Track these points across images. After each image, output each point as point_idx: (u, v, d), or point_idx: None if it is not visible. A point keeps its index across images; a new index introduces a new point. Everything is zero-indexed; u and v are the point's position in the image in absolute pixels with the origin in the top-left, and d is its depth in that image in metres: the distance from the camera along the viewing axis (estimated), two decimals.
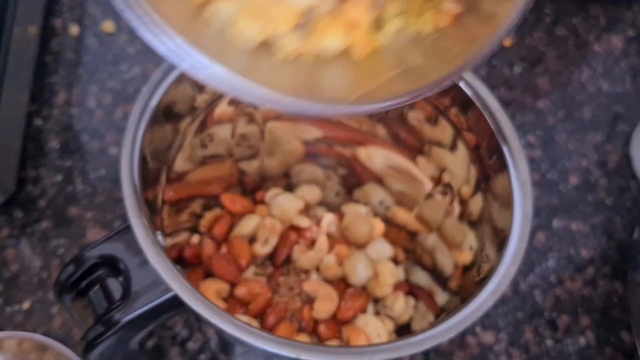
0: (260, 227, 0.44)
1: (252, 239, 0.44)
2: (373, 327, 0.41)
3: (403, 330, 0.43)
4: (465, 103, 0.37)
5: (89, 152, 0.54)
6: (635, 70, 0.66)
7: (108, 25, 0.60)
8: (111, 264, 0.33)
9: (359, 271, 0.43)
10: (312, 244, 0.44)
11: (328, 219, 0.45)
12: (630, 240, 0.56)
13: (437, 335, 0.31)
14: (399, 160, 0.43)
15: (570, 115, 0.62)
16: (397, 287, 0.44)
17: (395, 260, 0.45)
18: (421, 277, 0.44)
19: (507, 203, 0.34)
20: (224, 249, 0.43)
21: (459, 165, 0.39)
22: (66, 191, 0.52)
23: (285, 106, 0.25)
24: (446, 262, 0.42)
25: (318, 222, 0.45)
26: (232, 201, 0.45)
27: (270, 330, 0.40)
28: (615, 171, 0.60)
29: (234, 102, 0.40)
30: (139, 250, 0.30)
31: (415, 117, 0.40)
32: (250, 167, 0.46)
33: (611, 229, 0.57)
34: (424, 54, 0.29)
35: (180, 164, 0.39)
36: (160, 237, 0.32)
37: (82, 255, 0.34)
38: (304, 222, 0.45)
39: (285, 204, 0.45)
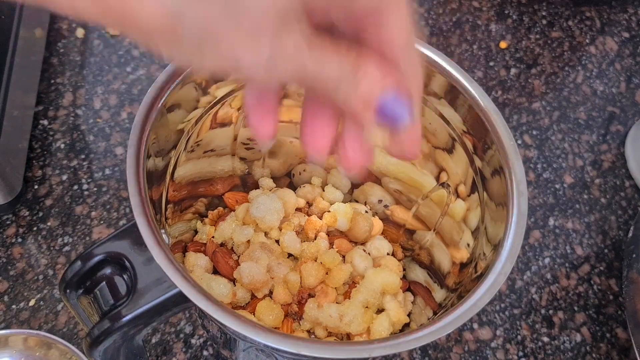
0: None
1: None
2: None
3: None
4: (462, 105, 0.37)
5: (94, 152, 0.55)
6: (630, 72, 0.66)
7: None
8: (116, 262, 0.34)
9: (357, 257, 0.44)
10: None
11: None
12: (625, 238, 0.57)
13: (435, 332, 0.31)
14: (397, 160, 0.44)
15: (565, 116, 0.63)
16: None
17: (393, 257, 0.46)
18: (419, 274, 0.45)
19: (503, 202, 0.35)
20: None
21: (456, 165, 0.40)
22: (72, 190, 0.53)
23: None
24: (444, 259, 0.42)
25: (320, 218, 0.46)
26: (235, 200, 0.45)
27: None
28: (610, 171, 0.60)
29: (236, 104, 0.41)
30: (144, 247, 0.31)
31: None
32: (253, 166, 0.46)
33: (606, 227, 0.57)
34: None
35: (184, 164, 0.40)
36: (164, 235, 0.32)
37: (88, 253, 0.34)
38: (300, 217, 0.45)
39: (282, 198, 0.45)
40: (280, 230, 0.44)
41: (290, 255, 0.44)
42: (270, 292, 0.42)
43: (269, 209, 0.42)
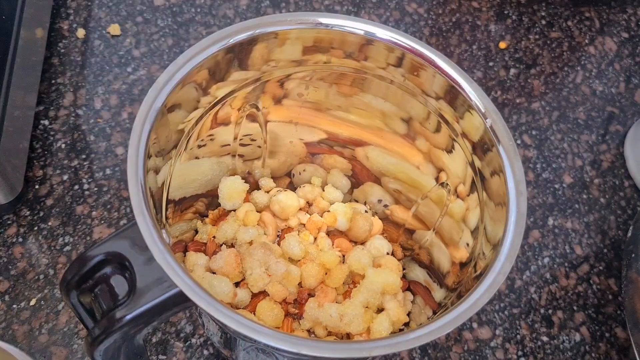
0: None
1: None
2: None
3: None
4: (461, 105, 0.38)
5: (95, 152, 0.55)
6: (629, 72, 0.67)
7: (114, 28, 0.61)
8: (117, 262, 0.34)
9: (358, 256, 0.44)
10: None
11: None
12: (624, 238, 0.57)
13: (434, 331, 0.31)
14: (397, 160, 0.44)
15: (564, 116, 0.63)
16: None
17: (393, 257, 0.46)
18: (419, 274, 0.45)
19: (503, 202, 0.35)
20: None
21: (455, 165, 0.40)
22: (73, 190, 0.53)
23: None
24: (443, 259, 0.42)
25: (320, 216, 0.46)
26: None
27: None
28: (609, 171, 0.61)
29: (236, 104, 0.41)
30: (144, 247, 0.31)
31: (415, 120, 0.41)
32: (253, 166, 0.47)
33: (605, 227, 0.57)
34: None
35: (185, 163, 0.40)
36: (165, 235, 0.32)
37: (88, 253, 0.34)
38: (302, 218, 0.45)
39: (284, 202, 0.45)
40: (284, 236, 0.44)
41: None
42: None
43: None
